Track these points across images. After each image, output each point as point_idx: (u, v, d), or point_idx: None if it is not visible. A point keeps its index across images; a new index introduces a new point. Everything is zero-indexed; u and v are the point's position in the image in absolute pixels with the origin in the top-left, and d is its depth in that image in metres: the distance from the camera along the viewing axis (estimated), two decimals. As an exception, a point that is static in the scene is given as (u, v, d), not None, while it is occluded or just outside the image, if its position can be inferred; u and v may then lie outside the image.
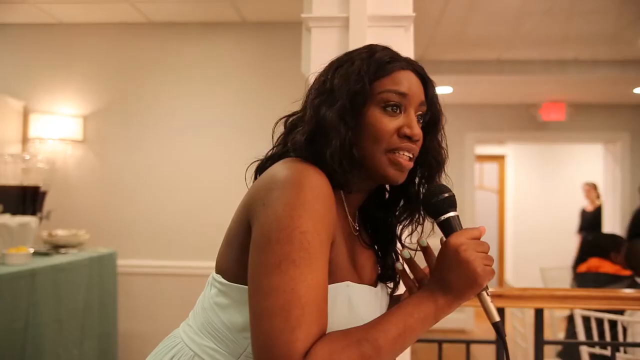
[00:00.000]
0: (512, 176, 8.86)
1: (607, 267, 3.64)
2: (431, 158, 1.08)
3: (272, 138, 1.09)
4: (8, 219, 2.95)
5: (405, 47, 1.75)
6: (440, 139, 1.10)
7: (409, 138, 1.00)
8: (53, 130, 4.09)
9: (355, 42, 1.64)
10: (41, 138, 4.11)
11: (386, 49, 1.05)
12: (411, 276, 1.06)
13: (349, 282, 0.98)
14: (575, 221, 7.77)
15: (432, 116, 1.07)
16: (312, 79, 1.09)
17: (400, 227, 1.15)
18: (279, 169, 0.94)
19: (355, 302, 0.97)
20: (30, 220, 3.12)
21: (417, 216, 1.12)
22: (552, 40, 4.64)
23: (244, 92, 4.13)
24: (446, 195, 0.98)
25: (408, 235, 1.14)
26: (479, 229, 0.95)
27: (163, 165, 4.13)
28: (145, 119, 4.18)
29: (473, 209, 6.74)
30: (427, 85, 1.06)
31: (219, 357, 0.99)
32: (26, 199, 3.32)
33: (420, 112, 1.04)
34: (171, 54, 4.20)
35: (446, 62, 5.25)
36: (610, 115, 6.90)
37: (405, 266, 1.08)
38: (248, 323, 0.92)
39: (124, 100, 4.22)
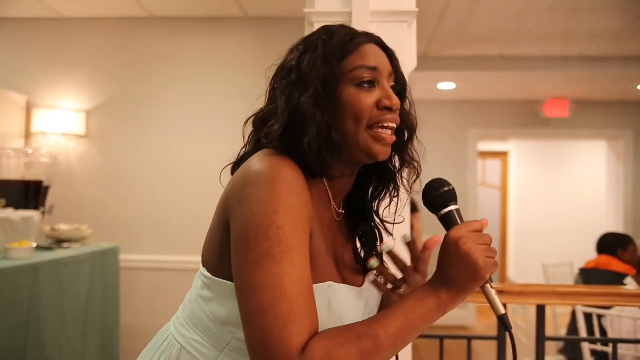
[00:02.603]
0: (514, 173, 8.84)
1: (615, 265, 3.64)
2: (403, 126, 1.06)
3: (243, 138, 1.08)
4: (11, 213, 2.96)
5: (408, 42, 1.74)
6: (409, 107, 1.09)
7: (389, 109, 0.99)
8: (56, 125, 4.09)
9: (358, 38, 1.64)
10: (44, 133, 4.12)
11: (343, 27, 1.04)
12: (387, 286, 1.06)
13: (330, 282, 0.96)
14: (577, 218, 7.77)
15: (398, 86, 1.06)
16: (270, 72, 1.07)
17: (377, 202, 1.14)
18: (253, 163, 0.94)
19: (336, 304, 0.96)
20: (33, 214, 3.12)
21: (391, 189, 1.11)
22: (555, 36, 4.62)
23: (246, 88, 4.12)
24: (446, 189, 0.97)
25: (386, 208, 1.13)
26: (480, 222, 0.94)
27: (165, 161, 4.14)
28: (148, 113, 4.19)
29: (475, 205, 6.73)
30: (391, 55, 1.05)
31: (203, 350, 0.99)
32: (29, 194, 3.33)
33: (392, 84, 1.03)
34: (174, 48, 4.20)
35: (449, 58, 5.24)
36: (614, 112, 6.88)
37: (378, 277, 1.07)
38: (230, 317, 0.93)
39: (126, 95, 4.22)
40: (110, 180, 4.17)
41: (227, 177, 1.05)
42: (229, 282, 0.93)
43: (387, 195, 1.12)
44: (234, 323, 0.93)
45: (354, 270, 1.08)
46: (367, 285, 1.08)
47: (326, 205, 1.04)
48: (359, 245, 1.15)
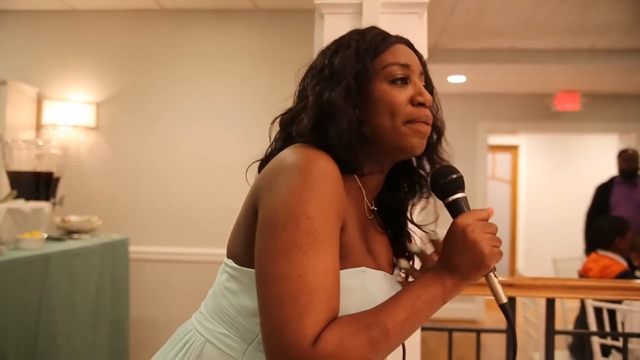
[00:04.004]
0: (524, 167, 8.80)
1: (593, 271, 3.53)
2: (431, 128, 1.06)
3: (269, 138, 1.08)
4: (22, 204, 2.98)
5: (418, 34, 1.73)
6: (437, 109, 1.10)
7: (423, 105, 1.00)
8: (66, 117, 4.11)
9: (368, 29, 1.62)
10: (54, 124, 4.15)
11: (374, 28, 1.06)
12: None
13: (364, 267, 0.97)
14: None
15: (427, 88, 1.07)
16: (301, 74, 1.08)
17: (411, 206, 1.14)
18: (287, 154, 0.94)
19: (371, 289, 0.96)
20: (43, 205, 3.14)
21: (424, 191, 1.11)
22: (567, 29, 4.58)
23: (256, 80, 4.12)
24: (454, 176, 0.98)
25: (421, 210, 1.13)
26: (486, 210, 0.94)
27: (174, 152, 4.15)
28: (158, 106, 4.20)
29: (485, 199, 6.71)
30: (420, 57, 1.06)
31: (230, 342, 0.98)
32: (40, 185, 3.34)
33: (423, 83, 1.04)
34: (183, 41, 4.21)
35: (459, 50, 5.21)
36: (626, 105, 6.82)
37: (416, 261, 1.08)
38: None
39: (136, 87, 4.23)
40: (120, 172, 4.19)
41: (244, 176, 1.05)
42: None
43: (421, 198, 1.13)
44: None
45: (386, 262, 1.09)
46: (396, 275, 1.09)
47: (359, 201, 1.04)
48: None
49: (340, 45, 1.03)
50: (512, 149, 8.95)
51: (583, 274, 3.67)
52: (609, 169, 7.75)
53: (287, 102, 1.09)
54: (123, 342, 3.44)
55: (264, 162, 1.06)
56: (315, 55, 1.92)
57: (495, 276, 0.94)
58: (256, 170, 1.07)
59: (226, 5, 4.12)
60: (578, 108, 6.57)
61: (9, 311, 2.44)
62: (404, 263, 1.06)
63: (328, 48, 1.05)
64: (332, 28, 1.74)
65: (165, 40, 4.22)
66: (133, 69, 4.25)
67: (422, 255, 1.08)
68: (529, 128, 7.41)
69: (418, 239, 1.15)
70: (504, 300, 0.94)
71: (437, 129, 1.09)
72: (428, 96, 1.00)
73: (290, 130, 1.02)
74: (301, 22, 3.95)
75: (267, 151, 1.08)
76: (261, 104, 4.01)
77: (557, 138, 8.53)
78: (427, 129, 1.01)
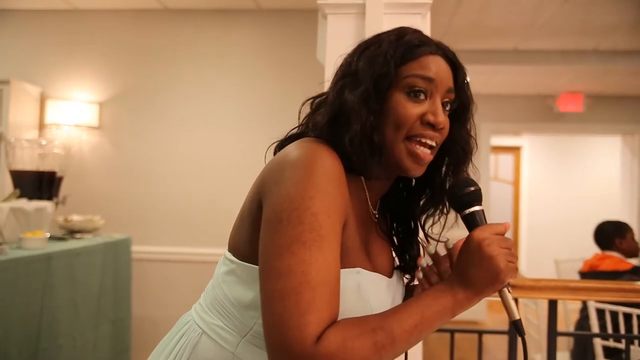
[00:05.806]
0: (527, 168, 8.79)
1: (605, 264, 3.56)
2: (458, 147, 1.05)
3: (299, 118, 1.07)
4: (25, 204, 2.98)
5: (421, 34, 1.73)
6: (469, 128, 1.08)
7: (432, 126, 0.97)
8: (69, 117, 4.12)
9: (371, 29, 1.63)
10: (57, 124, 4.15)
11: (416, 31, 1.03)
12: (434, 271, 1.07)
13: (359, 268, 0.96)
14: (591, 214, 7.68)
15: (461, 104, 1.05)
16: (340, 61, 1.06)
17: (424, 217, 1.13)
18: (293, 148, 0.94)
19: (365, 290, 0.96)
20: (46, 205, 3.14)
21: (441, 207, 1.09)
22: (570, 30, 4.57)
23: (258, 80, 4.12)
24: (472, 189, 0.96)
25: (430, 226, 1.12)
26: (503, 225, 0.94)
27: (177, 152, 4.15)
28: (161, 105, 4.20)
29: (488, 200, 6.70)
30: (457, 71, 1.03)
31: (225, 335, 0.98)
32: (42, 184, 3.35)
33: (448, 99, 1.01)
34: (186, 40, 4.21)
35: (462, 51, 5.09)
36: (629, 106, 6.80)
37: (429, 261, 1.07)
38: (254, 301, 0.92)
39: (139, 87, 4.23)
40: (123, 171, 4.19)
41: (247, 175, 1.04)
42: (257, 267, 0.92)
43: (436, 213, 1.11)
44: (258, 308, 0.92)
45: (384, 265, 1.08)
46: (395, 279, 1.08)
47: (362, 202, 1.03)
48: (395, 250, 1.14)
49: (373, 42, 1.01)
50: (515, 150, 8.95)
51: (591, 269, 3.64)
52: (612, 170, 7.76)
53: (320, 86, 1.08)
54: (125, 341, 3.45)
55: (281, 144, 1.06)
56: (317, 55, 1.93)
57: (509, 292, 0.93)
58: (273, 149, 1.07)
59: (229, 5, 4.12)
60: (581, 109, 6.56)
61: (11, 310, 2.44)
62: (431, 249, 1.05)
63: (365, 41, 1.03)
64: (335, 28, 1.74)
65: (168, 40, 4.23)
66: (136, 69, 4.25)
67: (436, 256, 1.07)
68: (531, 129, 7.40)
69: (432, 242, 1.13)
70: (517, 316, 0.93)
71: (464, 149, 1.07)
72: (441, 118, 0.98)
73: (312, 118, 1.03)
74: (304, 22, 3.95)
75: (289, 132, 1.07)
76: (264, 104, 4.02)
77: (560, 139, 8.52)
78: (427, 156, 0.99)
